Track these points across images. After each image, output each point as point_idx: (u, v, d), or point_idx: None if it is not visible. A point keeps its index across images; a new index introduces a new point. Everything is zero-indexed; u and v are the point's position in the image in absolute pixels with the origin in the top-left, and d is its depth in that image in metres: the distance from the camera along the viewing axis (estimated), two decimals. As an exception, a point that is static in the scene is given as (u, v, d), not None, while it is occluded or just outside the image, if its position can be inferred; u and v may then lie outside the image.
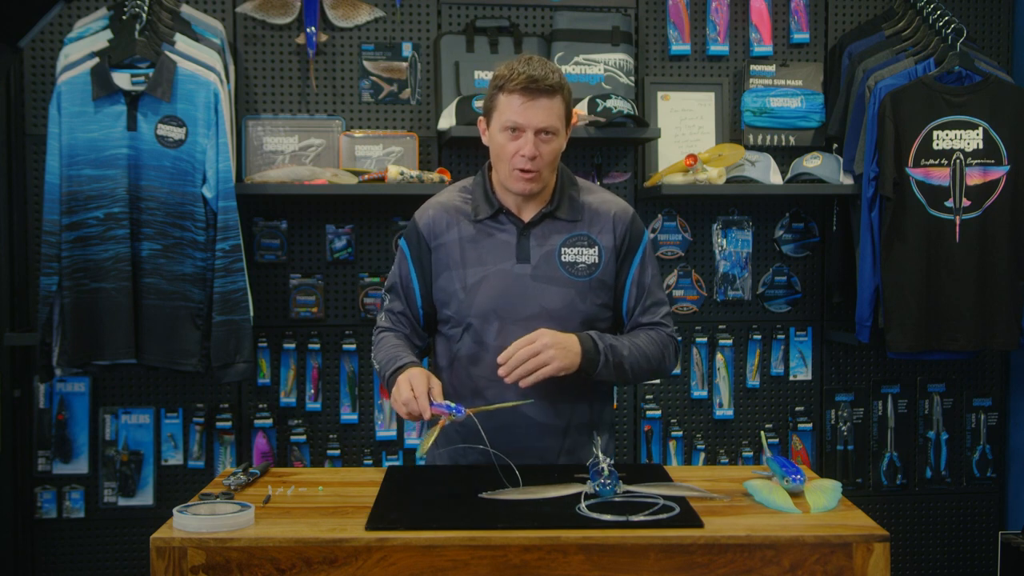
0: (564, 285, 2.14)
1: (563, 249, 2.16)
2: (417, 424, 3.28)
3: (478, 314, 2.14)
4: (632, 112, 3.18)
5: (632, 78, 3.35)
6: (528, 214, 2.17)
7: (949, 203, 3.12)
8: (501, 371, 2.01)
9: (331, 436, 3.33)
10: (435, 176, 3.13)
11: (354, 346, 3.31)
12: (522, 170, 2.08)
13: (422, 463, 2.28)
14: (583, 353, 2.05)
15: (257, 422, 3.29)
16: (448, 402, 1.96)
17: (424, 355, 2.28)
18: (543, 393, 2.11)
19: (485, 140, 2.18)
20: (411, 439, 3.34)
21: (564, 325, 2.12)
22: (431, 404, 1.94)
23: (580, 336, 2.07)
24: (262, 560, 1.65)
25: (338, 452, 3.31)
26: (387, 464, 3.30)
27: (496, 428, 2.11)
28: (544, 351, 1.99)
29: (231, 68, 3.13)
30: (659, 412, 3.44)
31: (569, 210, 2.18)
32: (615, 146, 3.40)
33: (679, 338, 2.29)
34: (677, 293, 3.46)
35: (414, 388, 1.96)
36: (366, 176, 3.13)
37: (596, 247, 2.17)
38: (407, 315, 2.22)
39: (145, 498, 3.26)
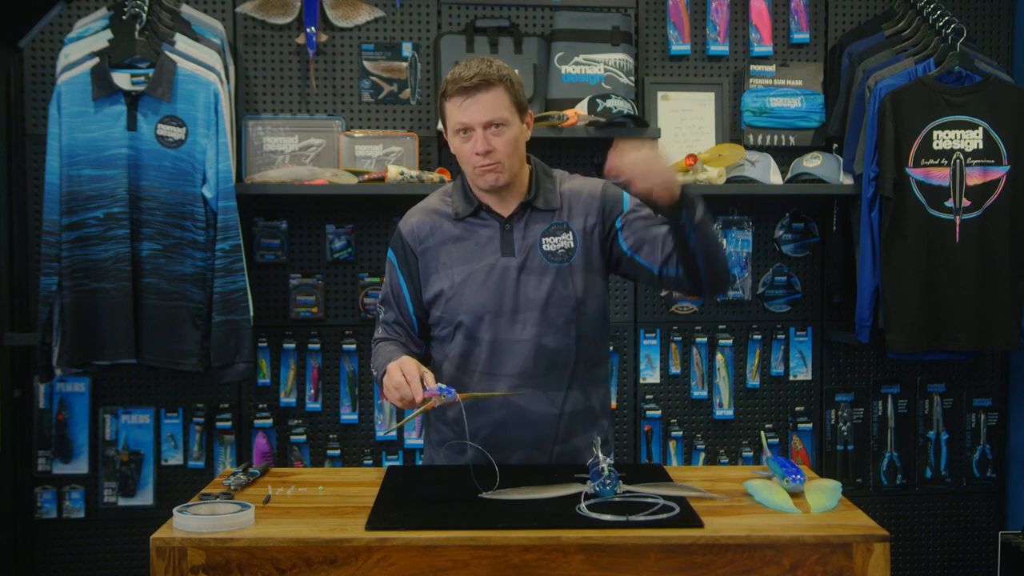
0: (546, 273, 2.16)
1: (544, 239, 2.18)
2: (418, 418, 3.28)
3: (468, 311, 2.15)
4: (632, 112, 3.18)
5: (632, 78, 3.35)
6: (508, 208, 2.19)
7: (949, 203, 3.12)
8: (612, 167, 1.95)
9: (331, 436, 3.33)
10: (435, 176, 3.13)
11: (354, 346, 3.31)
12: (482, 166, 2.11)
13: (412, 442, 2.29)
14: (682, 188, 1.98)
15: (257, 422, 3.29)
16: (441, 384, 1.97)
17: (422, 363, 2.29)
18: (536, 381, 2.14)
19: (453, 150, 2.21)
20: (411, 439, 3.34)
21: (553, 312, 2.15)
22: (423, 389, 1.94)
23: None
24: (262, 560, 1.65)
25: (338, 452, 3.31)
26: (387, 464, 3.30)
27: (490, 419, 2.13)
28: (662, 160, 1.94)
29: (231, 68, 3.13)
30: (659, 412, 3.44)
31: (546, 201, 2.20)
32: (615, 146, 3.39)
33: None
34: (677, 293, 3.46)
35: (405, 373, 1.96)
36: (366, 176, 3.13)
37: (570, 231, 2.19)
38: (401, 324, 2.24)
39: (145, 498, 3.26)
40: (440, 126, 3.14)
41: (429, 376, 1.98)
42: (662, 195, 1.95)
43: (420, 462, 3.23)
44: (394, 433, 3.35)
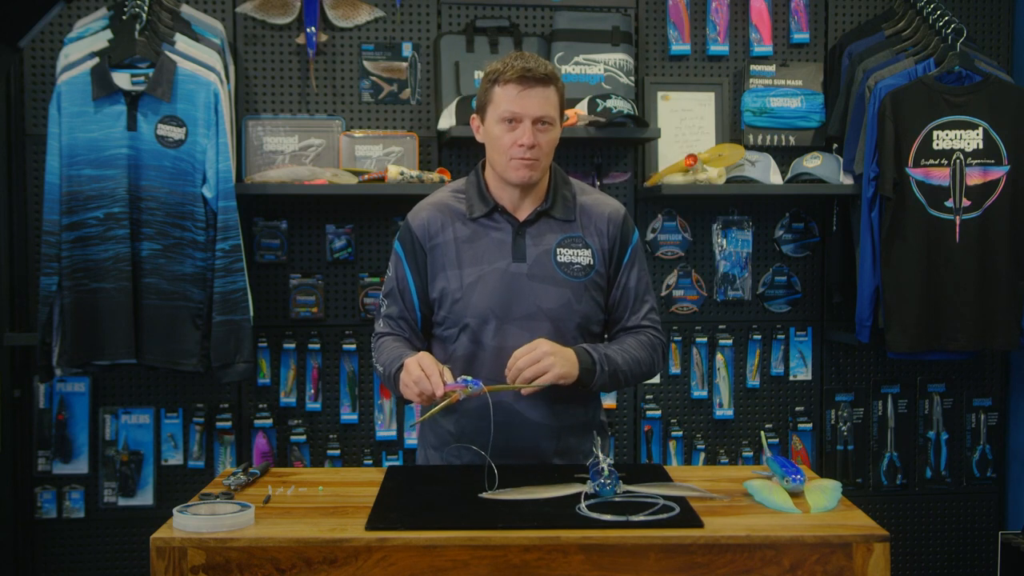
0: (560, 285, 2.15)
1: (558, 249, 2.16)
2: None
3: (475, 314, 2.14)
4: (632, 112, 3.18)
5: (632, 78, 3.35)
6: (523, 213, 2.18)
7: (949, 203, 3.12)
8: (508, 378, 2.02)
9: (331, 436, 3.33)
10: (435, 176, 3.13)
11: (354, 346, 3.31)
12: (521, 158, 2.09)
13: (413, 442, 2.27)
14: (580, 364, 2.06)
15: (257, 422, 3.29)
16: (465, 376, 1.96)
17: None
18: (540, 393, 2.11)
19: (479, 137, 2.19)
20: (411, 439, 3.34)
21: (561, 325, 2.13)
22: (444, 384, 1.93)
23: (576, 349, 2.08)
24: (262, 560, 1.65)
25: (338, 452, 3.31)
26: (387, 464, 3.30)
27: (492, 427, 2.11)
28: (544, 359, 1.99)
29: (231, 68, 3.13)
30: (659, 412, 3.44)
31: (563, 210, 2.19)
32: (615, 146, 3.40)
33: (664, 339, 2.28)
34: (677, 293, 3.46)
35: (423, 368, 1.96)
36: (366, 176, 3.13)
37: (590, 249, 2.18)
38: (405, 318, 2.22)
39: (145, 498, 3.26)
40: (445, 123, 3.20)
41: (447, 371, 1.97)
42: (564, 382, 2.04)
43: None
44: (394, 434, 3.35)
